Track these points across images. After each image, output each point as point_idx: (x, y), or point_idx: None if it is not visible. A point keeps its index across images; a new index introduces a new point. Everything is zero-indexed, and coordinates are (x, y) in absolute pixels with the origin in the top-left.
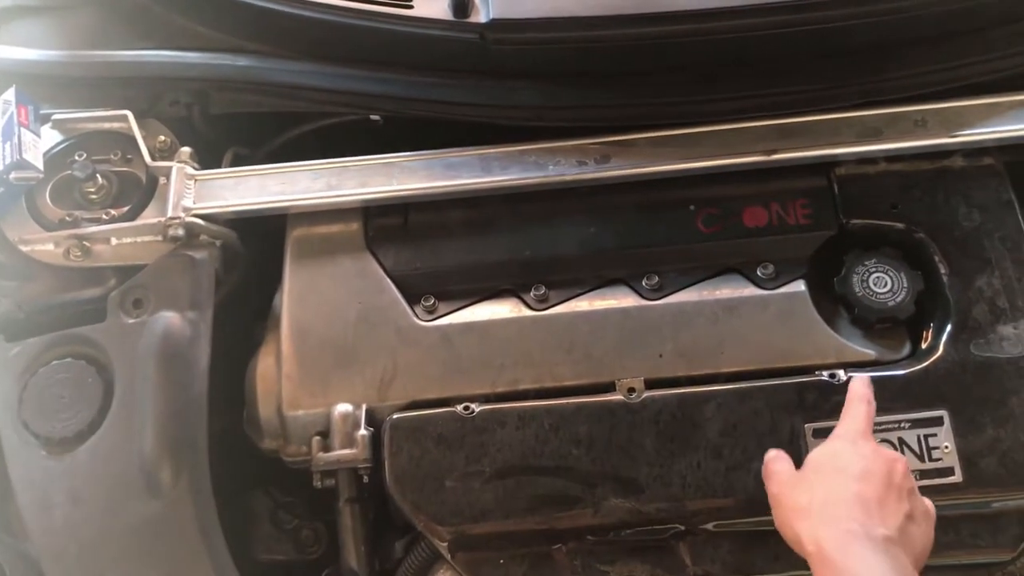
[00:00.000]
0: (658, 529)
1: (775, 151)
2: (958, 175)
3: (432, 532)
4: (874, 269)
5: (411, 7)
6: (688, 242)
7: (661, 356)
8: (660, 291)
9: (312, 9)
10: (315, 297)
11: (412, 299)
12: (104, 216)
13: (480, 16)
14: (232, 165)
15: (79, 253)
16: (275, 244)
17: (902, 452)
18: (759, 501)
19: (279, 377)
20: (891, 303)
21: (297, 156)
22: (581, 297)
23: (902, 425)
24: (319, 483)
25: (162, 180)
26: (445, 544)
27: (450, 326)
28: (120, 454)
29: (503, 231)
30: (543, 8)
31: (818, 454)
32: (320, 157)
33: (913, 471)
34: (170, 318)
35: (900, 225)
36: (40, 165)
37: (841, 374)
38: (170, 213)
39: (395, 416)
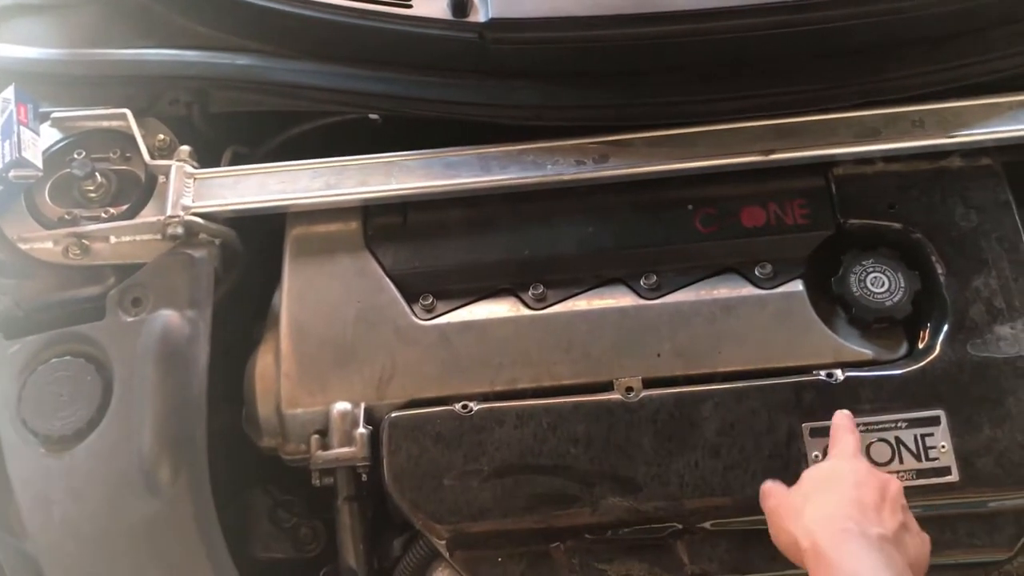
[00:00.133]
0: (656, 528)
1: (773, 151)
2: (956, 175)
3: (430, 530)
4: (871, 269)
5: (410, 7)
6: (686, 242)
7: (659, 355)
8: (658, 291)
9: (311, 8)
10: (314, 296)
11: (411, 298)
12: (103, 214)
13: (479, 16)
14: (231, 164)
15: (78, 251)
16: (274, 243)
17: (899, 451)
18: (756, 500)
19: (278, 375)
20: (888, 303)
21: (296, 155)
22: (579, 296)
23: (899, 424)
24: (318, 481)
25: (161, 179)
26: (443, 542)
27: (449, 325)
28: (119, 452)
29: (502, 230)
30: (542, 8)
31: (813, 470)
32: (319, 156)
33: (910, 470)
34: (169, 316)
35: (897, 225)
36: (39, 163)
37: (838, 374)
38: (169, 212)
39: (394, 415)
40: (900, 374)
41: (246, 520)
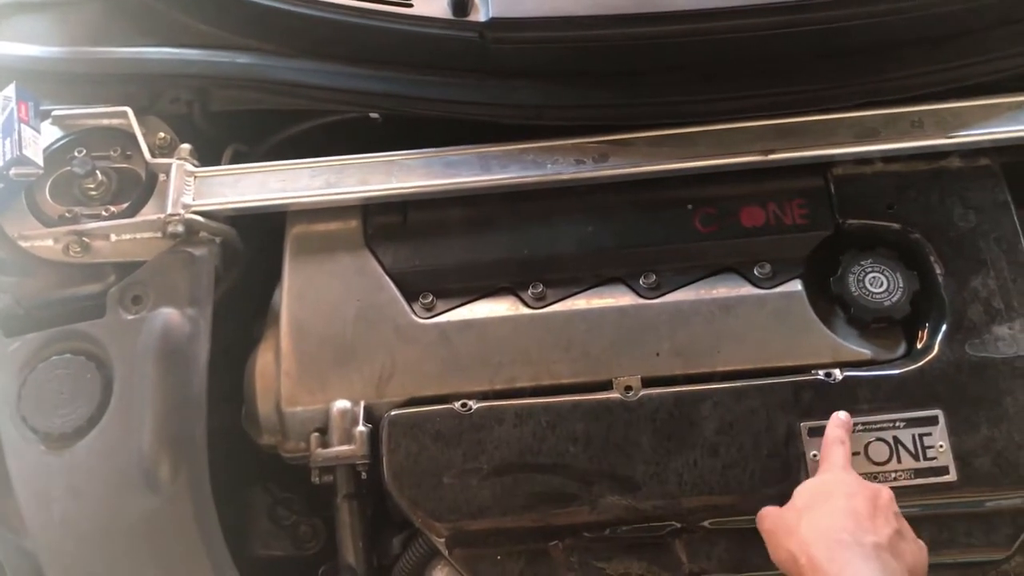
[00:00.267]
0: (654, 526)
1: (772, 151)
2: (954, 176)
3: (430, 528)
4: (870, 269)
5: (411, 6)
6: (685, 241)
7: (658, 355)
8: (657, 290)
9: (312, 7)
10: (314, 294)
11: (410, 297)
12: (104, 212)
13: (479, 15)
14: (232, 162)
15: (79, 249)
16: (275, 241)
17: (897, 451)
18: (755, 499)
19: (278, 374)
20: (887, 303)
21: (297, 154)
22: (579, 295)
23: (897, 424)
24: (317, 479)
25: (162, 177)
26: (443, 540)
27: (448, 324)
28: (119, 450)
29: (501, 229)
30: (542, 7)
31: (805, 486)
32: (320, 155)
33: (908, 470)
34: (169, 314)
35: (896, 225)
36: (40, 161)
37: (837, 373)
38: (170, 210)
39: (393, 413)
40: (898, 374)
41: (246, 518)
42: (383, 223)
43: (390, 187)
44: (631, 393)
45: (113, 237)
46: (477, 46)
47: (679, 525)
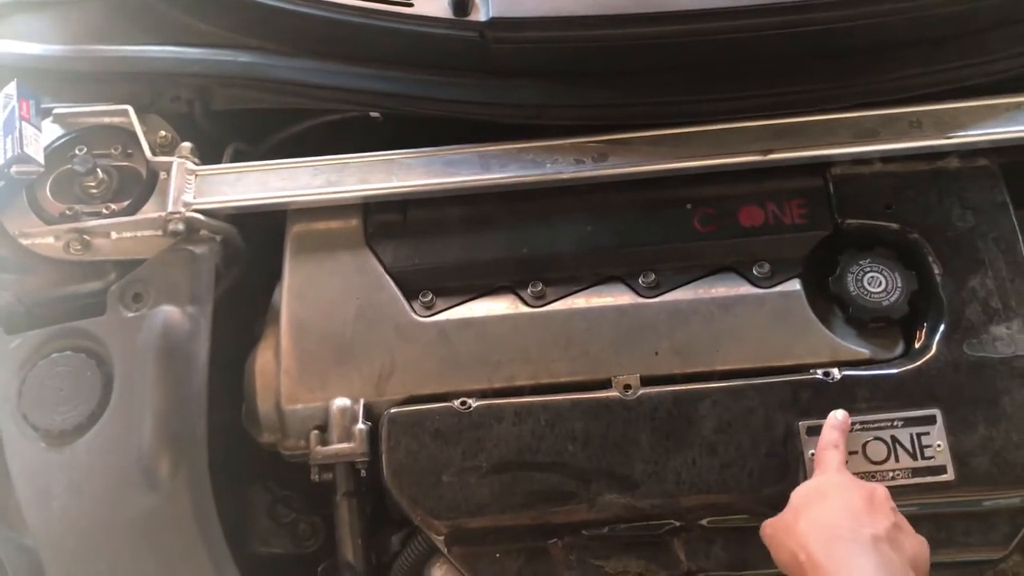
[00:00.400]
0: (653, 525)
1: (771, 151)
2: (953, 176)
3: (429, 526)
4: (868, 269)
5: (411, 5)
6: (684, 241)
7: (657, 353)
8: (656, 289)
9: (313, 7)
10: (314, 293)
11: (410, 295)
12: (104, 210)
13: (480, 15)
14: (233, 161)
15: (79, 247)
16: (275, 240)
17: (895, 450)
18: (753, 498)
19: (278, 372)
20: (885, 303)
21: (297, 152)
22: (578, 294)
23: (895, 424)
24: (316, 477)
25: (162, 175)
26: (441, 538)
27: (448, 322)
28: (119, 447)
29: (501, 228)
30: (542, 7)
31: (801, 489)
32: (320, 154)
33: (906, 469)
34: (170, 312)
35: (895, 225)
36: (41, 159)
37: (835, 372)
38: (170, 208)
39: (393, 411)
40: (896, 373)
41: (245, 515)
42: (383, 222)
43: (390, 186)
44: (630, 392)
45: (114, 235)
46: (477, 46)
47: (677, 524)
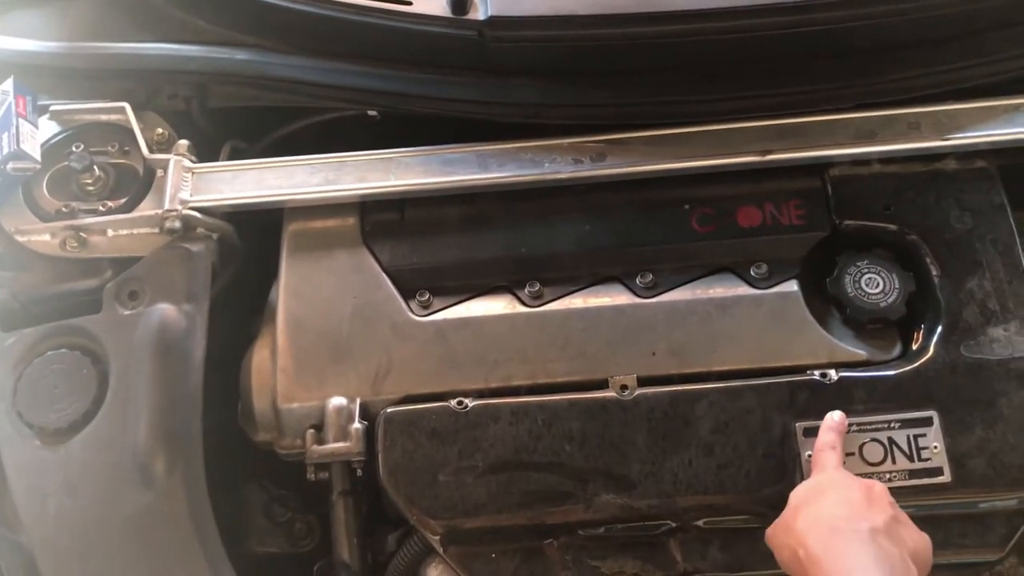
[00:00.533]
0: (649, 525)
1: (770, 151)
2: (951, 178)
3: (425, 526)
4: (866, 270)
5: (410, 3)
6: (682, 241)
7: (654, 354)
8: (654, 289)
9: (311, 4)
10: (311, 291)
11: (407, 294)
12: (101, 208)
13: (478, 13)
14: (230, 159)
15: (75, 244)
16: (272, 238)
17: (892, 452)
18: (749, 499)
19: (274, 370)
20: (883, 304)
21: (295, 151)
22: (575, 294)
23: (892, 425)
24: (312, 476)
25: (159, 173)
26: (437, 538)
27: (445, 321)
28: (114, 445)
29: (499, 228)
30: (541, 6)
31: (799, 488)
32: (318, 152)
33: (902, 471)
34: (166, 310)
35: (892, 227)
36: (37, 156)
37: (832, 374)
38: (167, 205)
39: (389, 410)
40: (894, 375)
41: (241, 514)
42: (380, 220)
43: (388, 184)
44: (627, 392)
45: (110, 232)
46: (476, 44)
47: (674, 524)
